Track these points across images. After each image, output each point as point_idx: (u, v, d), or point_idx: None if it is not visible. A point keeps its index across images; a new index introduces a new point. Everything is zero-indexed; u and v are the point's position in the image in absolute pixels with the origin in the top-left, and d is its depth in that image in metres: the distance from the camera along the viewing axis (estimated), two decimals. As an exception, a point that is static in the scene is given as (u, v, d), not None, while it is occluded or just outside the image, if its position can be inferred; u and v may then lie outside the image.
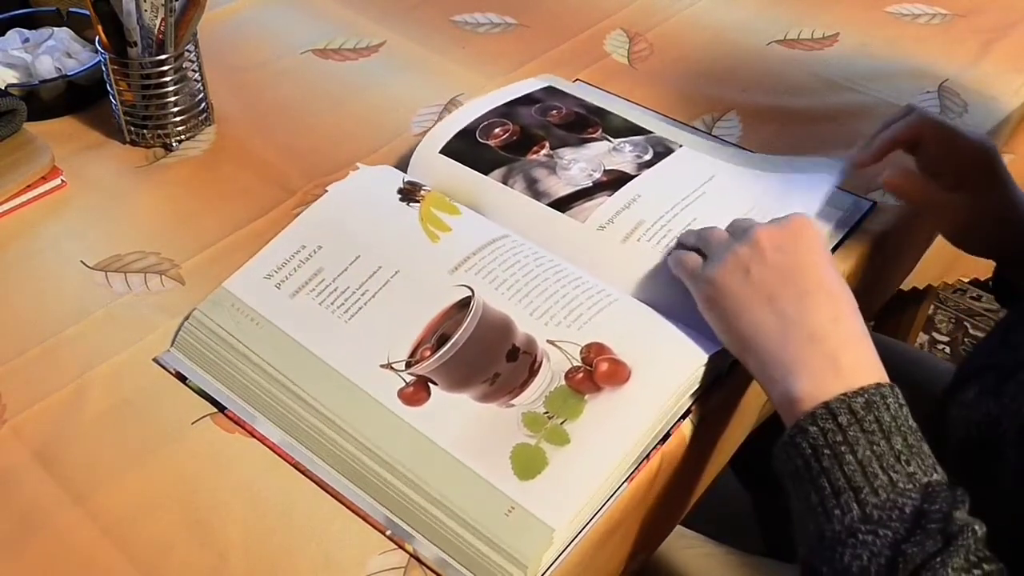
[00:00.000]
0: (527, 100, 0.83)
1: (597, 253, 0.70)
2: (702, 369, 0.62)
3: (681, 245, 0.68)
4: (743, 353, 0.59)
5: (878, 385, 0.54)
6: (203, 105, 0.87)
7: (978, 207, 0.72)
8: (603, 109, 0.82)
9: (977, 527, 0.49)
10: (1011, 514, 0.54)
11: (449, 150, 0.77)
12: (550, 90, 0.85)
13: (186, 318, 0.67)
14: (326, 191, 0.74)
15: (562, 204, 0.73)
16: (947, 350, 1.72)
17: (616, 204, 0.72)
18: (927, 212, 0.78)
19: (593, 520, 0.57)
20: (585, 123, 0.80)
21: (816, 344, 0.56)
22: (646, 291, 0.67)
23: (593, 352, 0.62)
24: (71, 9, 0.93)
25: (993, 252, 0.77)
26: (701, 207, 0.72)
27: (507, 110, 0.81)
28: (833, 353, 0.55)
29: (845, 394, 0.53)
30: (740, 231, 0.63)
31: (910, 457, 0.51)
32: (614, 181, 0.74)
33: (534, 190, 0.74)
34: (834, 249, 0.74)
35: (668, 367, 0.61)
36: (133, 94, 0.83)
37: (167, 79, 0.83)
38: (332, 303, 0.66)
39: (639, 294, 0.67)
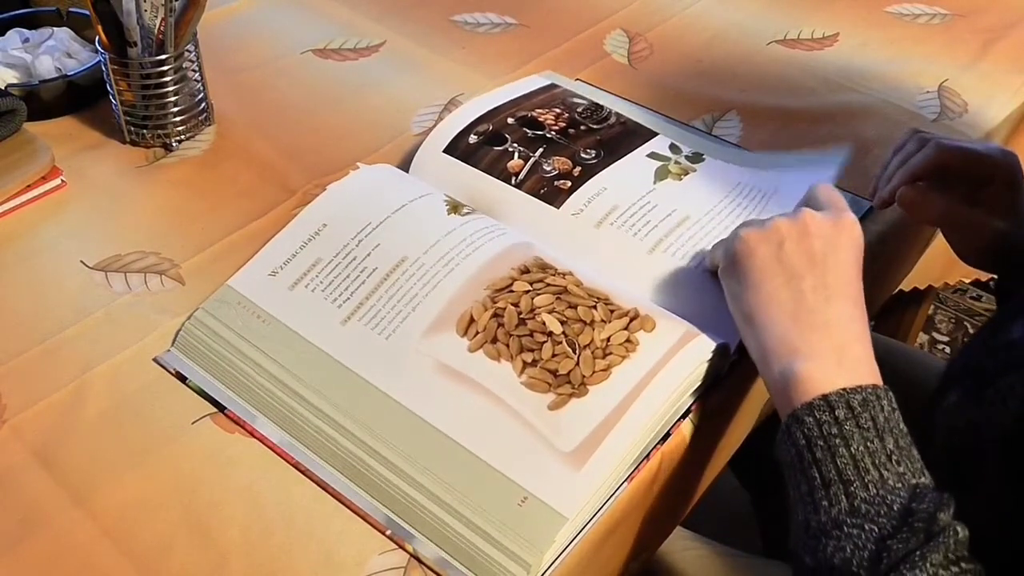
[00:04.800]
0: (526, 102, 0.83)
1: (573, 239, 0.70)
2: (705, 365, 0.62)
3: None
4: (749, 322, 0.59)
5: (875, 386, 0.54)
6: (203, 105, 0.87)
7: (994, 220, 0.71)
8: (602, 106, 0.82)
9: (959, 528, 0.49)
10: (994, 520, 0.54)
11: (451, 149, 0.77)
12: (551, 88, 0.85)
13: (188, 318, 0.67)
14: (325, 190, 0.74)
15: (529, 187, 0.74)
16: (947, 350, 1.72)
17: (589, 191, 0.73)
18: (945, 229, 0.75)
19: (593, 520, 0.57)
20: (579, 127, 0.80)
21: (827, 334, 0.56)
22: (621, 278, 0.68)
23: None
24: (71, 9, 0.93)
25: (1001, 266, 0.76)
26: (675, 195, 0.73)
27: (504, 120, 0.80)
28: (840, 346, 0.56)
29: (844, 389, 0.53)
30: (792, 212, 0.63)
31: (900, 458, 0.52)
32: (575, 169, 0.75)
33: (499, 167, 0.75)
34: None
35: (674, 360, 0.61)
36: (133, 94, 0.83)
37: (167, 79, 0.83)
38: (339, 296, 0.66)
39: (616, 280, 0.67)
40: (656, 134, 0.80)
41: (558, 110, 0.81)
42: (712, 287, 0.66)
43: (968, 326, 1.76)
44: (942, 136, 0.73)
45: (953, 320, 1.77)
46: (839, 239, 0.60)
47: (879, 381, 0.55)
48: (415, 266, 0.67)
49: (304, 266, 0.69)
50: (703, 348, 0.62)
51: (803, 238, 0.59)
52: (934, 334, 1.75)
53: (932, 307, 1.76)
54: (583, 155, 0.76)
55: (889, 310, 1.37)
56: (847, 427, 0.52)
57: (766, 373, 0.58)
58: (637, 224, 0.71)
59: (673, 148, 0.78)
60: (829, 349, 0.56)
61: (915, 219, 0.74)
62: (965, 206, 0.71)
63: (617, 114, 0.82)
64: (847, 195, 0.78)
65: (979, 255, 0.75)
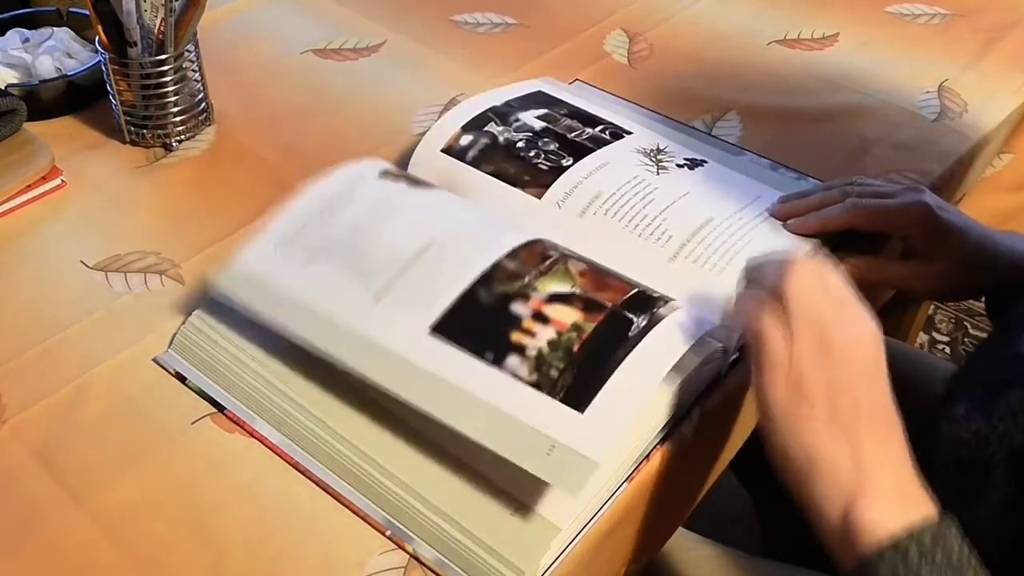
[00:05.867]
0: (524, 102, 0.82)
1: (559, 230, 0.69)
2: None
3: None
4: (800, 474, 0.54)
5: (940, 516, 0.52)
6: (203, 105, 0.87)
7: (941, 265, 0.70)
8: (596, 116, 0.82)
9: None
10: (997, 533, 0.54)
11: (448, 149, 0.77)
12: (544, 95, 0.84)
13: (184, 321, 0.67)
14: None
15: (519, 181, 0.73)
16: (947, 350, 1.72)
17: (571, 179, 0.73)
18: (895, 287, 0.75)
19: (593, 520, 0.57)
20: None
21: (887, 475, 0.53)
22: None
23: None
24: (71, 9, 0.93)
25: (977, 292, 0.76)
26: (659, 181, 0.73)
27: (504, 111, 0.80)
28: (896, 481, 0.53)
29: (911, 529, 0.51)
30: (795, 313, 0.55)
31: None
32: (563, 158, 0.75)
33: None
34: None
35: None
36: (133, 94, 0.83)
37: (167, 79, 0.83)
38: (333, 300, 0.66)
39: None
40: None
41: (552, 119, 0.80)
42: (703, 281, 0.66)
43: (968, 326, 1.76)
44: (866, 184, 0.72)
45: (953, 320, 1.77)
46: (875, 365, 0.55)
47: (932, 506, 0.53)
48: (412, 270, 0.66)
49: (303, 259, 0.68)
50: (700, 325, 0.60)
51: (850, 382, 0.54)
52: (934, 334, 1.75)
53: (932, 307, 1.76)
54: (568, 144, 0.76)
55: (889, 310, 1.37)
56: (924, 571, 0.49)
57: (819, 520, 0.54)
58: (623, 211, 0.70)
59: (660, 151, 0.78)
60: (891, 489, 0.53)
61: (861, 285, 0.73)
62: (901, 262, 0.71)
63: (605, 122, 0.81)
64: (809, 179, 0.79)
65: (945, 295, 0.74)
